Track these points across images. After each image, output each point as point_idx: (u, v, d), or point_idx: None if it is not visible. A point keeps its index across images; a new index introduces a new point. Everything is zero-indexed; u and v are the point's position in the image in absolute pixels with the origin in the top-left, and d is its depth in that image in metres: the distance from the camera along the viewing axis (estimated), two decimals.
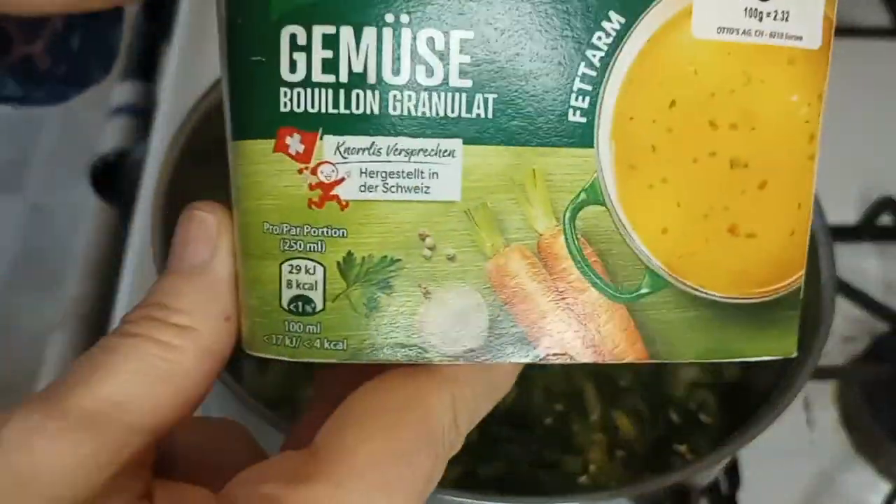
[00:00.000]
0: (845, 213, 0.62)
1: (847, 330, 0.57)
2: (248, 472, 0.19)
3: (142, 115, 0.73)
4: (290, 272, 0.21)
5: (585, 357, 0.22)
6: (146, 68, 0.77)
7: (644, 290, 0.22)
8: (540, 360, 0.22)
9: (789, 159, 0.23)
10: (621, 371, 0.47)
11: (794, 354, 0.24)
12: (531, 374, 0.46)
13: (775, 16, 0.22)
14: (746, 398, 0.47)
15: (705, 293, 0.23)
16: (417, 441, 0.20)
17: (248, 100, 0.21)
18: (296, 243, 0.21)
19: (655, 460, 0.46)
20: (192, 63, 0.68)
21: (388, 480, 0.19)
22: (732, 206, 0.22)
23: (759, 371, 0.47)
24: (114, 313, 0.57)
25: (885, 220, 0.62)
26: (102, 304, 0.66)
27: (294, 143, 0.20)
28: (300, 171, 0.20)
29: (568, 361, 0.22)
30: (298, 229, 0.21)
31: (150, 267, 0.36)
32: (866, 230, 0.61)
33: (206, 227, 0.21)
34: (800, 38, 0.22)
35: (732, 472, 0.48)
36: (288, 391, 0.45)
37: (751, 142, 0.22)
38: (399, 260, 0.21)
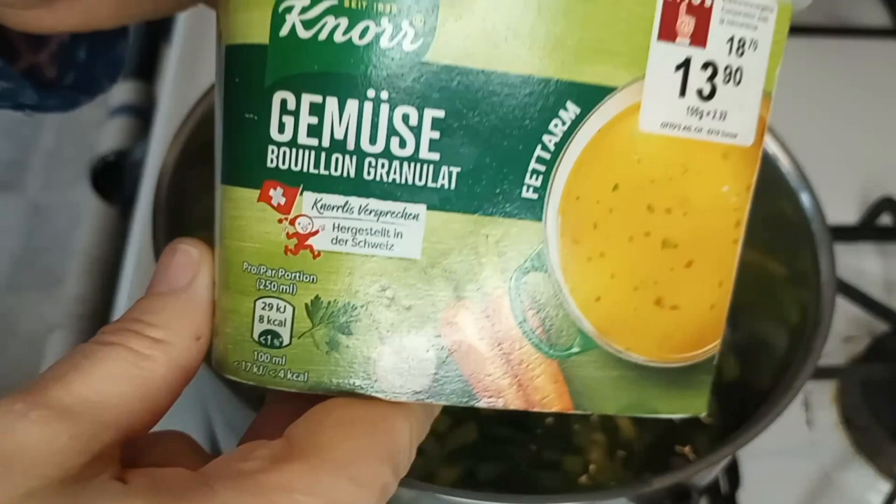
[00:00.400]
0: (845, 213, 0.62)
1: (847, 330, 0.57)
2: (226, 455, 0.21)
3: (142, 115, 0.73)
4: (263, 308, 0.23)
5: (517, 405, 0.24)
6: (146, 68, 0.77)
7: (575, 350, 0.24)
8: (476, 404, 0.24)
9: (716, 242, 0.25)
10: None
11: (705, 413, 0.27)
12: None
13: (714, 115, 0.24)
14: (746, 398, 0.47)
15: (630, 356, 0.25)
16: (385, 454, 0.22)
17: (239, 151, 0.23)
18: (270, 284, 0.23)
19: (655, 460, 0.46)
20: (192, 63, 0.68)
21: (358, 477, 0.21)
22: (661, 281, 0.25)
23: (759, 371, 0.47)
24: (114, 313, 0.57)
25: (885, 220, 0.62)
26: (102, 304, 0.66)
27: (277, 195, 0.23)
28: (280, 221, 0.23)
29: (501, 407, 0.24)
30: (274, 272, 0.23)
31: (150, 267, 0.36)
32: (866, 230, 0.61)
33: (188, 257, 0.23)
34: (735, 135, 0.25)
35: (732, 471, 0.48)
36: None
37: (683, 225, 0.25)
38: (360, 307, 0.23)
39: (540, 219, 0.23)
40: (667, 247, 0.25)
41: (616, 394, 0.25)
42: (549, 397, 0.25)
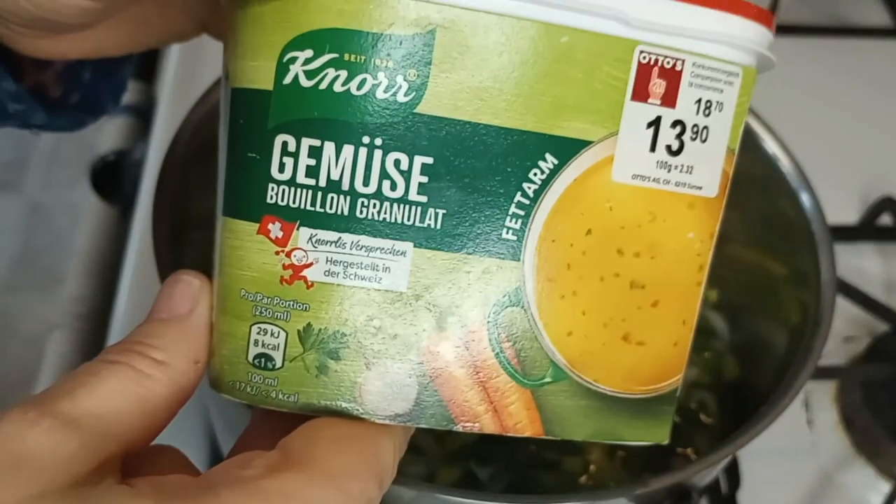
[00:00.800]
0: (845, 213, 0.62)
1: (847, 330, 0.57)
2: (225, 463, 0.22)
3: (142, 115, 0.73)
4: (258, 333, 0.25)
5: (492, 429, 0.26)
6: (146, 69, 0.77)
7: (548, 380, 0.26)
8: (454, 428, 0.26)
9: (680, 284, 0.27)
10: None
11: (667, 442, 0.28)
12: None
13: (681, 169, 0.26)
14: (746, 398, 0.47)
15: (598, 387, 0.27)
16: (373, 470, 0.23)
17: (241, 187, 0.25)
18: (266, 310, 0.25)
19: (655, 460, 0.46)
20: (192, 63, 0.68)
21: (348, 490, 0.22)
22: (628, 319, 0.27)
23: (759, 371, 0.47)
24: (114, 313, 0.57)
25: (885, 220, 0.62)
26: (102, 304, 0.66)
27: (275, 229, 0.24)
28: (277, 253, 0.24)
29: (477, 431, 0.26)
30: (269, 300, 0.25)
31: (150, 267, 0.35)
32: (866, 230, 0.61)
33: (190, 287, 0.25)
34: (700, 188, 0.27)
35: (732, 472, 0.48)
36: None
37: (650, 268, 0.27)
38: (349, 334, 0.25)
39: (518, 259, 0.25)
40: (635, 287, 0.26)
41: (585, 421, 0.27)
42: (522, 423, 0.26)
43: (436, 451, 0.44)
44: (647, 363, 0.27)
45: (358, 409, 0.25)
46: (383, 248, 0.24)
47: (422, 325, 0.25)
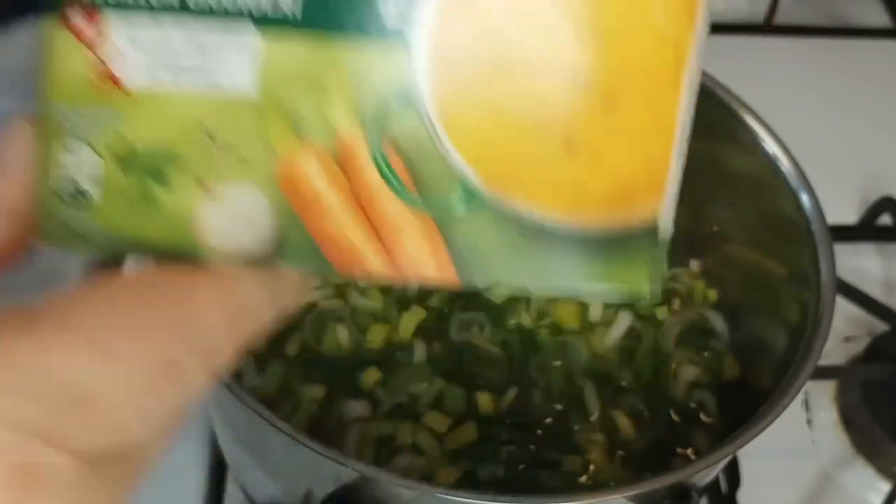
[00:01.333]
0: (845, 213, 0.62)
1: (847, 330, 0.57)
2: None
3: None
4: (69, 156, 0.20)
5: (383, 272, 0.20)
6: None
7: (458, 207, 0.20)
8: (329, 272, 0.20)
9: (647, 81, 0.20)
10: (621, 371, 0.47)
11: (647, 296, 0.21)
12: (530, 375, 0.46)
13: None
14: (746, 398, 0.47)
15: (532, 215, 0.20)
16: (171, 329, 0.18)
17: None
18: (75, 127, 0.20)
19: (655, 460, 0.46)
20: None
21: (106, 349, 0.18)
22: (571, 119, 0.20)
23: (759, 371, 0.47)
24: None
25: (885, 220, 0.62)
26: None
27: (80, 21, 0.20)
28: (85, 52, 0.20)
29: (362, 276, 0.20)
30: (78, 112, 0.20)
31: (149, 266, 0.35)
32: (866, 230, 0.61)
33: (12, 129, 0.21)
34: None
35: (732, 471, 0.48)
36: (286, 389, 0.45)
37: (599, 56, 0.20)
38: (181, 153, 0.20)
39: (405, 41, 0.19)
40: (578, 79, 0.20)
41: (515, 266, 0.20)
42: (424, 265, 0.20)
43: (436, 450, 0.44)
44: (604, 180, 0.20)
45: (195, 247, 0.20)
46: (222, 45, 0.19)
47: (276, 137, 0.20)
